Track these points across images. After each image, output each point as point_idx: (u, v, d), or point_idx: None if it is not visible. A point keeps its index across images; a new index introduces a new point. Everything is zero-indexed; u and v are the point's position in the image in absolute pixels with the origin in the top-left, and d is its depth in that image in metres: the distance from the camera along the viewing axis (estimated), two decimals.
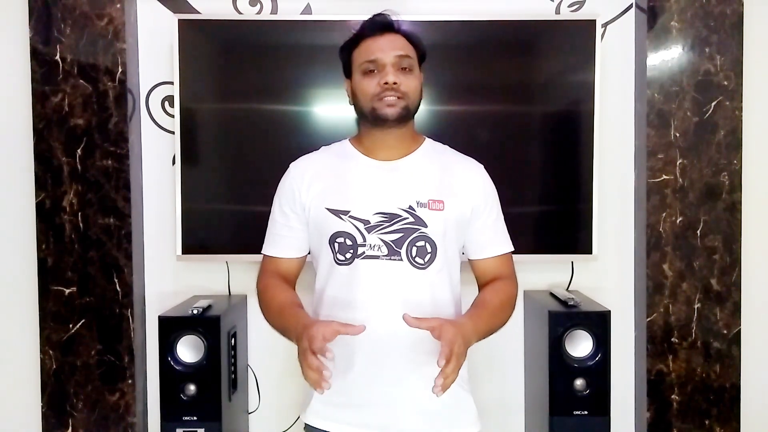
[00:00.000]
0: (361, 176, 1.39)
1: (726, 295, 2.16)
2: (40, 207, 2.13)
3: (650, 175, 2.15)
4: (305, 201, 1.40)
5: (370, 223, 1.34)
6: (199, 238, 2.17)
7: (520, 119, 2.20)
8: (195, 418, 1.93)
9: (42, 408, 2.16)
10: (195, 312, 1.95)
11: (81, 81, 2.11)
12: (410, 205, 1.35)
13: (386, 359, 1.33)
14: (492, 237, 1.43)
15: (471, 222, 1.40)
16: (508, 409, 2.29)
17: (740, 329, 2.17)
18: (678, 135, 2.15)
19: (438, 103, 2.13)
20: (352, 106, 1.42)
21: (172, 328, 1.94)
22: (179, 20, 2.11)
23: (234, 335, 2.08)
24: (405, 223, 1.34)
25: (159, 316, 1.96)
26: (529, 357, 2.24)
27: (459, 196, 1.38)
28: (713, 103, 2.14)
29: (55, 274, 2.14)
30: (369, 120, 1.37)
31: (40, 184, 2.13)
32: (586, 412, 1.94)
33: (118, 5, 2.11)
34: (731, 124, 2.14)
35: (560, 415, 1.95)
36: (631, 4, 2.23)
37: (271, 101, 2.16)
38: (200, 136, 2.18)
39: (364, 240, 1.34)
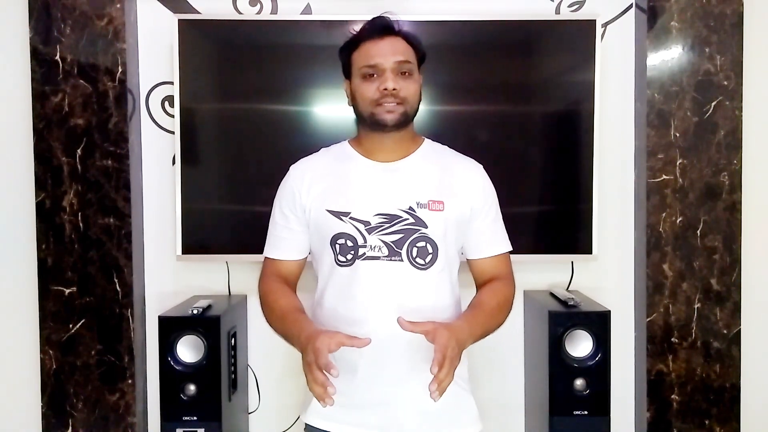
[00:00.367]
0: (361, 178, 1.39)
1: (726, 295, 2.16)
2: (40, 207, 2.13)
3: (650, 175, 2.15)
4: (305, 203, 1.40)
5: (370, 224, 1.34)
6: (199, 238, 2.17)
7: (520, 119, 2.20)
8: (195, 418, 1.93)
9: (42, 408, 2.16)
10: (195, 312, 1.95)
11: (81, 81, 2.11)
12: (410, 206, 1.35)
13: (387, 360, 1.33)
14: (490, 237, 1.43)
15: (470, 222, 1.41)
16: (508, 409, 2.29)
17: (740, 329, 2.17)
18: (678, 135, 2.15)
19: (438, 103, 2.13)
20: (351, 107, 1.42)
21: (172, 328, 1.94)
22: (179, 20, 2.11)
23: (234, 335, 2.08)
24: (405, 224, 1.34)
25: (159, 316, 1.96)
26: (529, 357, 2.24)
27: (458, 196, 1.38)
28: (713, 103, 2.14)
29: (55, 274, 2.14)
30: (368, 124, 1.38)
31: (40, 184, 2.13)
32: (586, 412, 1.94)
33: (118, 5, 2.10)
34: (731, 124, 2.14)
35: (560, 415, 1.95)
36: (631, 4, 2.23)
37: (271, 101, 2.16)
38: (200, 136, 2.18)
39: (365, 241, 1.34)
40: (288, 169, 1.46)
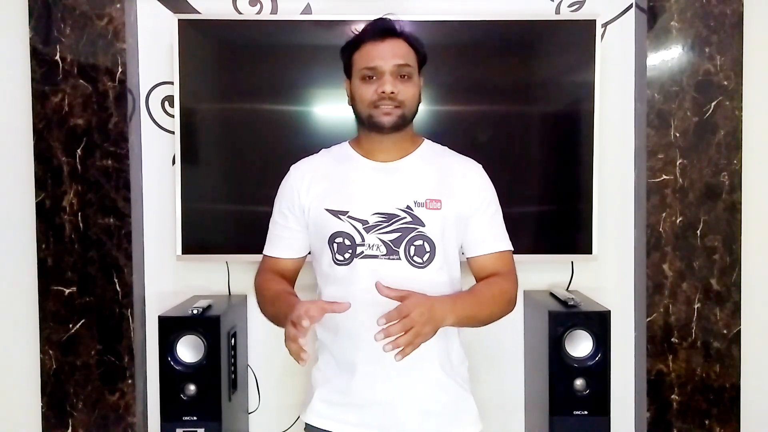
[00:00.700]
0: (360, 177, 1.40)
1: (726, 295, 2.16)
2: (40, 207, 2.13)
3: (650, 175, 2.15)
4: (304, 203, 1.40)
5: (368, 223, 1.34)
6: (199, 238, 2.17)
7: (520, 119, 2.20)
8: (195, 418, 1.93)
9: (42, 408, 2.16)
10: (195, 312, 1.95)
11: (81, 81, 2.11)
12: (408, 205, 1.35)
13: (386, 359, 1.33)
14: (488, 234, 1.43)
15: (469, 220, 1.41)
16: (508, 409, 2.29)
17: (740, 329, 2.17)
18: (678, 135, 2.15)
19: (438, 103, 2.13)
20: (351, 107, 1.42)
21: (172, 328, 1.94)
22: (179, 20, 2.11)
23: (234, 335, 2.08)
24: (403, 223, 1.34)
25: (159, 316, 1.96)
26: (529, 357, 2.24)
27: (457, 195, 1.39)
28: (713, 103, 2.14)
29: (55, 274, 2.14)
30: (366, 125, 1.38)
31: (40, 184, 2.13)
32: (586, 412, 1.94)
33: (118, 5, 2.10)
34: (731, 124, 2.14)
35: (560, 415, 1.95)
36: (631, 4, 2.23)
37: (271, 101, 2.16)
38: (200, 136, 2.18)
39: (363, 240, 1.34)
40: (288, 169, 1.47)
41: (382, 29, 1.36)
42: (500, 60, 2.18)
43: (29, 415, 2.21)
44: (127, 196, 2.14)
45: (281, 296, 1.35)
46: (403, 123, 1.37)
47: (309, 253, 1.48)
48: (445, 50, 2.12)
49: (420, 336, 1.18)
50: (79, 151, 2.12)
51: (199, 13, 2.20)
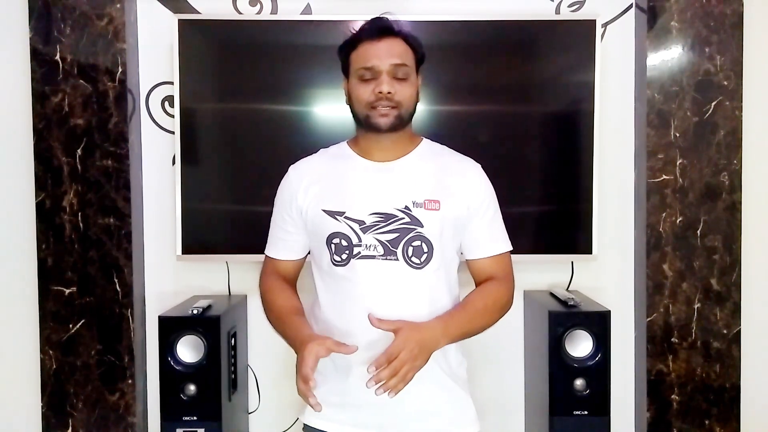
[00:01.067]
0: (357, 177, 1.39)
1: (726, 295, 2.16)
2: (40, 207, 2.13)
3: (650, 175, 2.15)
4: (302, 204, 1.40)
5: (365, 223, 1.34)
6: (199, 238, 2.17)
7: (520, 119, 2.20)
8: (195, 418, 1.93)
9: (42, 408, 2.16)
10: (195, 312, 1.95)
11: (81, 81, 2.11)
12: (406, 205, 1.35)
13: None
14: (487, 237, 1.43)
15: (467, 222, 1.41)
16: (507, 409, 2.29)
17: (740, 329, 2.17)
18: (678, 135, 2.15)
19: (437, 103, 2.13)
20: (348, 107, 1.42)
21: (172, 328, 1.94)
22: (179, 20, 2.11)
23: (234, 335, 2.08)
24: (401, 223, 1.34)
25: (159, 316, 1.96)
26: (529, 357, 2.24)
27: (455, 195, 1.38)
28: (713, 103, 2.14)
29: (55, 274, 2.14)
30: (363, 126, 1.39)
31: (40, 184, 2.13)
32: (586, 412, 1.94)
33: (118, 5, 2.11)
34: (731, 124, 2.14)
35: (560, 415, 1.95)
36: (631, 4, 2.23)
37: (271, 101, 2.16)
38: (200, 136, 2.18)
39: (360, 240, 1.34)
40: (287, 169, 1.47)
41: (379, 28, 1.36)
42: (500, 60, 2.18)
43: (29, 415, 2.21)
44: (127, 196, 2.14)
45: (288, 319, 1.38)
46: (400, 124, 1.37)
47: (309, 253, 1.48)
48: (445, 50, 2.12)
49: (411, 371, 1.23)
50: (79, 151, 2.12)
51: (199, 13, 2.20)
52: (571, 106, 2.18)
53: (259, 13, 2.22)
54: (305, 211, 1.40)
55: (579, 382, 1.94)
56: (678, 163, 2.15)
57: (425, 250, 1.35)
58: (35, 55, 2.11)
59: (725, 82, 2.13)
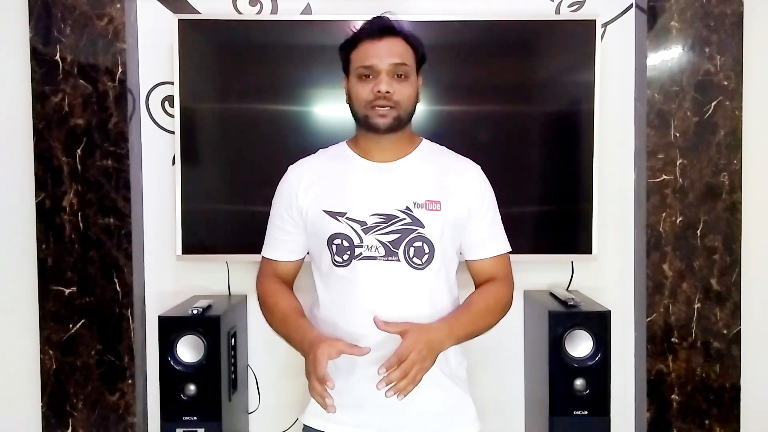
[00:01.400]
0: (358, 178, 1.39)
1: (726, 295, 2.16)
2: (40, 207, 2.13)
3: (650, 175, 2.15)
4: (302, 204, 1.40)
5: (366, 224, 1.34)
6: (199, 238, 2.17)
7: (519, 119, 2.20)
8: (195, 418, 1.93)
9: (42, 408, 2.16)
10: (195, 312, 1.95)
11: (81, 81, 2.11)
12: (407, 206, 1.35)
13: (384, 359, 1.33)
14: (488, 238, 1.43)
15: (467, 223, 1.41)
16: (508, 409, 2.29)
17: (740, 329, 2.17)
18: (678, 135, 2.15)
19: (437, 103, 2.13)
20: (348, 106, 1.42)
21: (172, 328, 1.94)
22: (179, 20, 2.11)
23: (234, 335, 2.08)
24: (402, 224, 1.34)
25: (159, 316, 1.96)
26: (529, 357, 2.24)
27: (456, 196, 1.38)
28: (713, 103, 2.14)
29: (55, 274, 2.14)
30: (362, 125, 1.38)
31: (40, 184, 2.13)
32: (586, 412, 1.94)
33: (118, 5, 2.10)
34: (731, 124, 2.14)
35: (560, 415, 1.95)
36: (631, 4, 2.23)
37: (271, 101, 2.16)
38: (200, 136, 2.18)
39: (361, 241, 1.34)
40: (286, 170, 1.47)
41: (379, 27, 1.36)
42: (500, 60, 2.18)
43: (29, 415, 2.21)
44: (127, 196, 2.14)
45: (292, 319, 1.37)
46: (399, 124, 1.36)
47: (308, 253, 1.47)
48: (445, 50, 2.12)
49: (421, 372, 1.23)
50: (79, 151, 2.12)
51: (199, 13, 2.20)
52: (571, 106, 2.18)
53: (259, 13, 2.22)
54: (305, 211, 1.40)
55: (579, 382, 1.94)
56: (678, 163, 2.15)
57: (426, 250, 1.35)
58: (35, 55, 2.11)
59: (725, 82, 2.13)
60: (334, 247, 1.36)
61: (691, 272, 2.16)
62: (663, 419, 2.18)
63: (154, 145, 2.24)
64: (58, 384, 2.16)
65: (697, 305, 2.16)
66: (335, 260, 1.36)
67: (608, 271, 2.27)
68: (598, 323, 1.95)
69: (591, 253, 2.16)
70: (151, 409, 2.25)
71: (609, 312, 1.97)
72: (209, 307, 2.02)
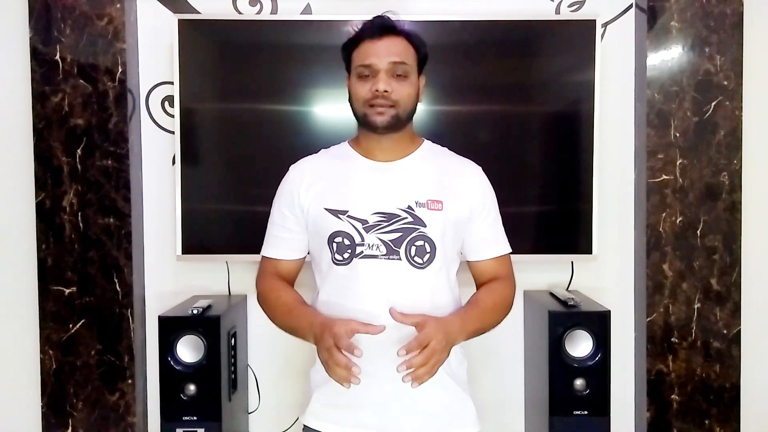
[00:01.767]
0: (360, 177, 1.39)
1: (726, 295, 2.16)
2: (40, 207, 2.13)
3: (650, 175, 2.15)
4: (304, 202, 1.40)
5: (368, 222, 1.34)
6: (199, 238, 2.17)
7: (519, 119, 2.20)
8: (195, 418, 1.93)
9: (42, 408, 2.16)
10: (195, 312, 1.95)
11: (81, 81, 2.11)
12: (409, 205, 1.35)
13: (385, 359, 1.33)
14: (490, 239, 1.43)
15: (469, 223, 1.41)
16: (508, 409, 2.29)
17: (740, 329, 2.17)
18: (678, 135, 2.15)
19: (438, 103, 2.13)
20: (350, 104, 1.42)
21: (172, 328, 1.94)
22: (179, 20, 2.11)
23: (234, 335, 2.08)
24: (404, 223, 1.34)
25: (159, 316, 1.96)
26: (529, 357, 2.24)
27: (458, 197, 1.38)
28: (713, 103, 2.14)
29: (55, 274, 2.14)
30: (362, 124, 1.38)
31: (40, 184, 2.13)
32: (586, 412, 1.94)
33: (118, 5, 2.11)
34: (731, 124, 2.14)
35: (560, 415, 1.95)
36: (631, 4, 2.23)
37: (271, 101, 2.16)
38: (200, 136, 2.18)
39: (362, 240, 1.34)
40: (288, 169, 1.47)
41: (380, 27, 1.36)
42: (500, 60, 2.18)
43: (29, 415, 2.21)
44: (127, 196, 2.14)
45: (297, 308, 1.36)
46: (398, 123, 1.36)
47: (309, 252, 1.47)
48: (445, 50, 2.12)
49: (438, 363, 1.22)
50: (79, 151, 2.12)
51: (199, 13, 2.20)
52: (571, 106, 2.18)
53: (259, 13, 2.22)
54: (307, 209, 1.40)
55: (579, 382, 1.94)
56: (678, 163, 2.15)
57: (428, 250, 1.35)
58: (35, 55, 2.11)
59: (725, 82, 2.13)
60: (334, 245, 1.36)
61: (691, 272, 2.16)
62: (663, 419, 2.18)
63: (154, 145, 2.24)
64: (58, 384, 2.16)
65: (697, 305, 2.17)
66: (336, 258, 1.36)
67: (608, 271, 2.27)
68: (598, 323, 1.95)
69: (591, 253, 2.16)
70: (151, 409, 2.25)
71: (609, 312, 1.97)
72: (209, 307, 2.02)
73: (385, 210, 1.35)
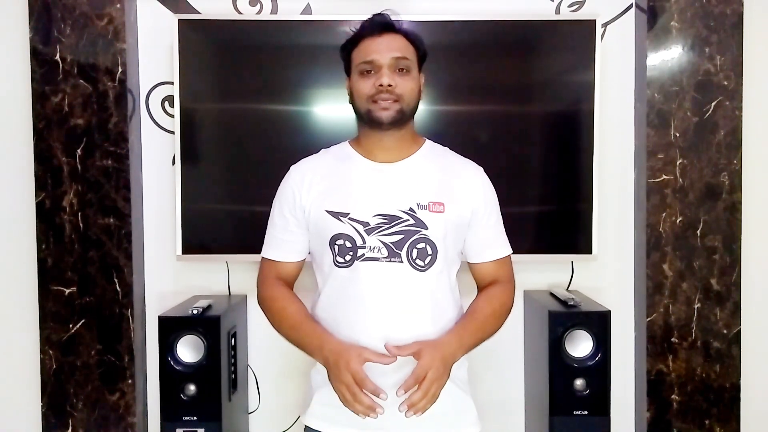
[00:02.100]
0: (361, 178, 1.39)
1: (726, 295, 2.16)
2: (40, 207, 2.13)
3: (650, 175, 2.15)
4: (305, 204, 1.40)
5: (369, 224, 1.34)
6: (199, 238, 2.17)
7: (520, 119, 2.20)
8: (195, 418, 1.93)
9: (42, 408, 2.16)
10: (195, 312, 1.95)
11: (81, 81, 2.11)
12: (410, 207, 1.35)
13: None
14: (491, 241, 1.43)
15: (470, 225, 1.41)
16: (508, 409, 2.29)
17: (740, 329, 2.17)
18: (678, 135, 2.15)
19: (438, 103, 2.13)
20: (351, 105, 1.42)
21: (172, 328, 1.94)
22: (179, 20, 2.11)
23: (234, 335, 2.08)
24: (405, 225, 1.34)
25: (159, 316, 1.96)
26: (529, 357, 2.24)
27: (459, 199, 1.38)
28: (713, 103, 2.14)
29: (55, 274, 2.14)
30: (365, 121, 1.38)
31: (40, 184, 2.13)
32: (586, 412, 1.94)
33: (118, 5, 2.10)
34: (731, 124, 2.14)
35: (560, 415, 1.95)
36: (631, 4, 2.23)
37: (271, 101, 2.16)
38: (200, 136, 2.18)
39: (364, 242, 1.34)
40: (288, 169, 1.47)
41: (379, 24, 1.36)
42: (500, 60, 2.18)
43: (29, 415, 2.21)
44: (127, 196, 2.14)
45: (303, 325, 1.36)
46: (402, 118, 1.36)
47: (309, 254, 1.47)
48: (445, 50, 2.12)
49: (439, 389, 1.25)
50: (79, 151, 2.12)
51: (199, 13, 2.20)
52: (571, 106, 2.18)
53: (259, 13, 2.22)
54: (308, 210, 1.39)
55: (579, 382, 1.95)
56: (678, 163, 2.15)
57: (429, 252, 1.35)
58: (35, 55, 2.11)
59: (725, 82, 2.13)
60: (336, 247, 1.35)
61: (691, 272, 2.16)
62: (663, 419, 2.18)
63: (154, 145, 2.24)
64: (58, 384, 2.16)
65: (697, 305, 2.17)
66: (337, 261, 1.36)
67: (608, 271, 2.27)
68: (598, 323, 1.95)
69: (591, 253, 2.16)
70: (151, 409, 2.25)
71: (609, 312, 1.97)
72: (209, 307, 2.02)
73: (387, 212, 1.34)
